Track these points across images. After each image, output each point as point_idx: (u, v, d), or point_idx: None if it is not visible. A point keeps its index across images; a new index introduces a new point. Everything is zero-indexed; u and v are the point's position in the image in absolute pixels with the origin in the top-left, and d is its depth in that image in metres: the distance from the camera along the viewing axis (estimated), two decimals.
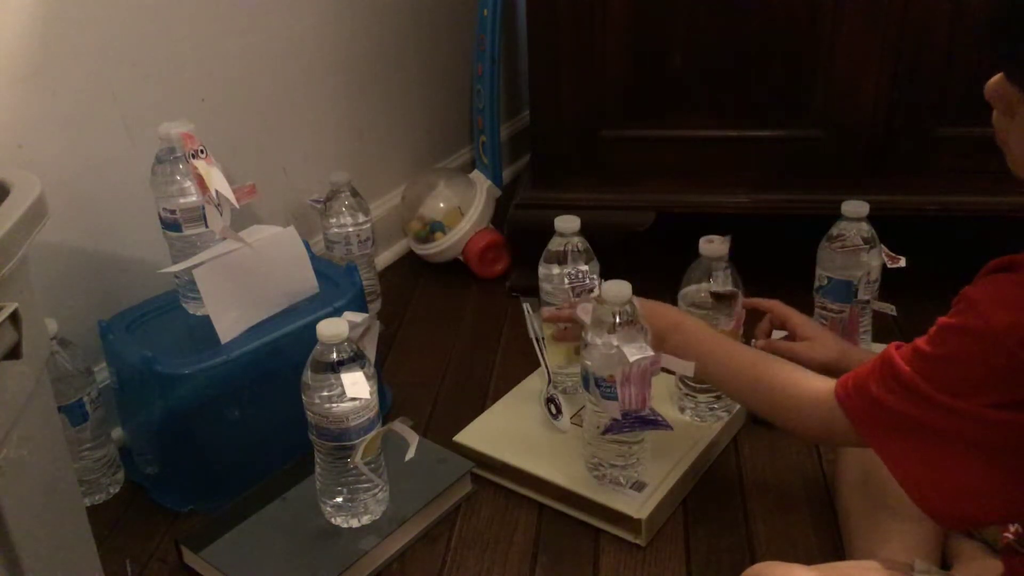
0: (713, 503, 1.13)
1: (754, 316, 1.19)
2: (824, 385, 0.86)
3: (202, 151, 1.10)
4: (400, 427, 1.04)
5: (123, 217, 1.24)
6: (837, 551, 1.02)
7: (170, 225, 1.16)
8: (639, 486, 1.09)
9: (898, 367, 0.76)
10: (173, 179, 1.14)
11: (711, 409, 1.20)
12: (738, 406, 1.22)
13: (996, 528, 0.89)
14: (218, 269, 1.12)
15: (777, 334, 1.24)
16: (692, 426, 1.20)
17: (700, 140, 1.48)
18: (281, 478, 1.13)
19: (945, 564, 0.95)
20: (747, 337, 1.22)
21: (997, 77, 0.71)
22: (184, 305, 1.21)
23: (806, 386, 0.88)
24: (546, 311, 1.22)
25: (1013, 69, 0.70)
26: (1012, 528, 0.82)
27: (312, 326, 0.99)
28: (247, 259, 1.14)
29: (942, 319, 0.76)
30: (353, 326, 1.01)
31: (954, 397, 0.72)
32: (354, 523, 1.06)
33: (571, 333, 1.18)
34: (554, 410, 1.22)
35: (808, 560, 1.03)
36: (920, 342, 0.76)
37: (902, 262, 1.20)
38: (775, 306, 1.15)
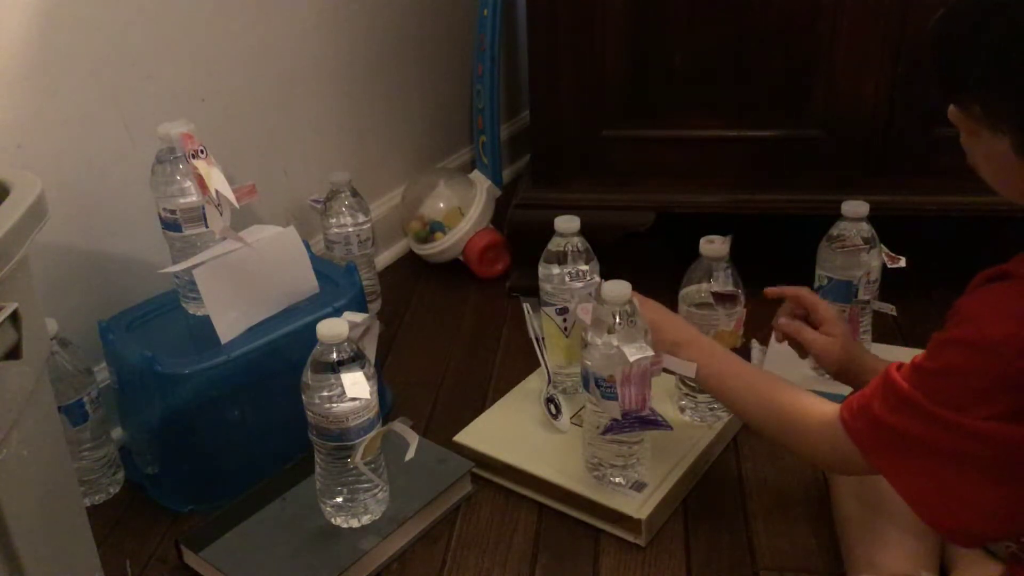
0: (713, 503, 1.13)
1: (761, 313, 1.19)
2: (832, 410, 0.85)
3: (202, 151, 1.10)
4: (400, 427, 1.04)
5: (123, 217, 1.24)
6: (836, 551, 1.02)
7: (170, 225, 1.16)
8: (639, 486, 1.09)
9: (898, 385, 0.76)
10: (173, 179, 1.14)
11: (711, 409, 1.20)
12: None
13: None
14: (218, 269, 1.12)
15: (756, 353, 1.23)
16: (692, 426, 1.20)
17: (700, 140, 1.48)
18: (281, 478, 1.13)
19: (943, 569, 0.95)
20: (748, 337, 1.22)
21: (952, 106, 0.75)
22: (184, 305, 1.21)
23: (814, 411, 0.87)
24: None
25: (956, 97, 0.74)
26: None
27: (312, 326, 0.99)
28: (247, 259, 1.14)
29: (937, 334, 0.75)
30: (353, 326, 1.01)
31: (955, 411, 0.72)
32: (354, 523, 1.06)
33: None
34: (554, 410, 1.22)
35: (808, 560, 1.04)
36: (918, 359, 0.76)
37: (902, 262, 1.20)
38: (802, 293, 1.12)
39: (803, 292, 1.12)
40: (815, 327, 1.09)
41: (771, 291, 1.14)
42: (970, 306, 0.73)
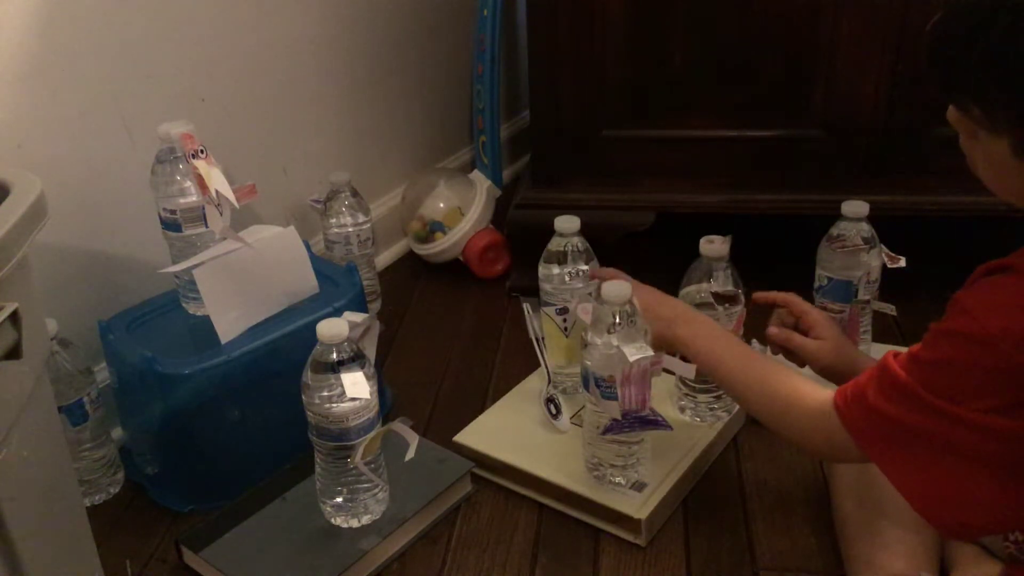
0: (713, 503, 1.13)
1: (761, 313, 1.18)
2: (826, 396, 0.84)
3: (202, 151, 1.10)
4: (400, 427, 1.04)
5: (123, 217, 1.24)
6: (836, 551, 1.02)
7: (170, 225, 1.16)
8: (639, 486, 1.09)
9: (895, 374, 0.76)
10: (173, 179, 1.14)
11: (711, 409, 1.20)
12: (738, 406, 1.22)
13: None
14: (218, 269, 1.12)
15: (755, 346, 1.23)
16: (692, 426, 1.20)
17: (700, 140, 1.48)
18: (281, 478, 1.13)
19: (943, 569, 0.95)
20: (748, 336, 1.22)
21: (951, 107, 0.75)
22: (184, 305, 1.21)
23: (808, 396, 0.86)
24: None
25: (954, 99, 0.74)
26: (1011, 537, 0.82)
27: (312, 326, 0.99)
28: (247, 259, 1.14)
29: (935, 325, 0.75)
30: (353, 326, 1.01)
31: (952, 403, 0.72)
32: (354, 523, 1.06)
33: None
34: (554, 410, 1.22)
35: (808, 560, 1.04)
36: (916, 349, 0.76)
37: (902, 262, 1.20)
38: (791, 300, 1.11)
39: (792, 298, 1.11)
40: (805, 333, 1.08)
41: (760, 296, 1.13)
42: (969, 298, 0.73)
